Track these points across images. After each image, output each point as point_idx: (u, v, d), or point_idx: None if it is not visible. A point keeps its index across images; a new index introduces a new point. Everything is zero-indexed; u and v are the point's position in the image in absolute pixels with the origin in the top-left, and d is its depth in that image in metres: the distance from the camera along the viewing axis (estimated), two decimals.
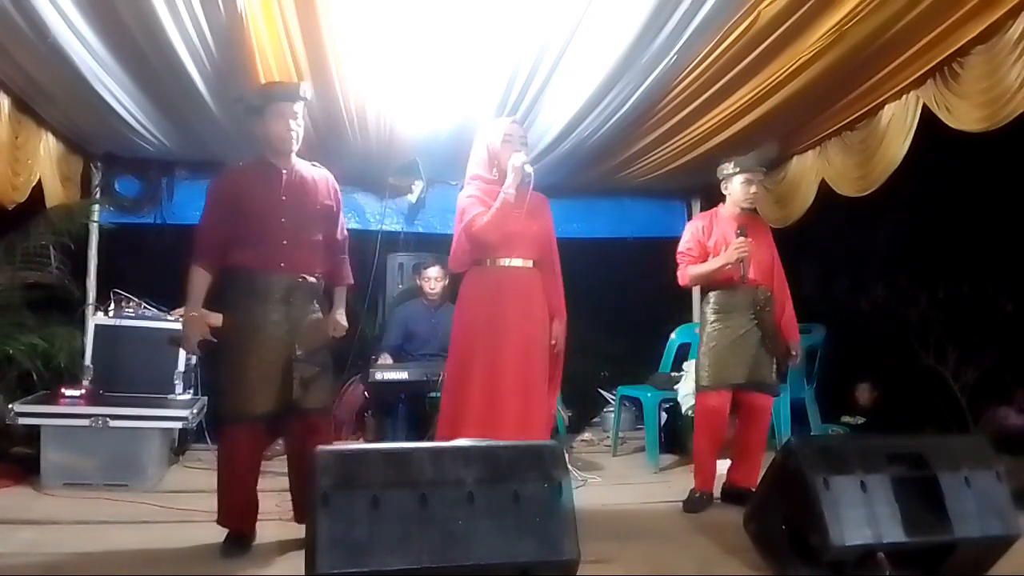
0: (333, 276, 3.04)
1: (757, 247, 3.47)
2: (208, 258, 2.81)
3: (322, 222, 2.93)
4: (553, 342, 3.13)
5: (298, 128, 2.81)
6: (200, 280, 2.81)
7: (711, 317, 3.53)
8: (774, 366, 3.50)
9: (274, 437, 4.15)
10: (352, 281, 3.11)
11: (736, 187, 3.54)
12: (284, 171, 2.84)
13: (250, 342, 2.74)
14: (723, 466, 3.66)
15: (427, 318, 4.79)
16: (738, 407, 3.56)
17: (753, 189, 3.54)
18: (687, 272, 3.56)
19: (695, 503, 3.42)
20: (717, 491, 3.54)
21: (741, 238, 3.40)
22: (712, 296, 3.56)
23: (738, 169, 3.53)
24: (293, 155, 2.87)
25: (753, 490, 3.32)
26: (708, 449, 3.51)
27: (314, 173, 2.95)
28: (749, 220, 3.57)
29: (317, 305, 2.92)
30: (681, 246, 3.62)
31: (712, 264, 3.48)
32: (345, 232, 3.10)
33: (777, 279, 3.59)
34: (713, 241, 3.54)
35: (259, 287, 2.78)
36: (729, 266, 3.42)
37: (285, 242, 2.79)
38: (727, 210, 3.60)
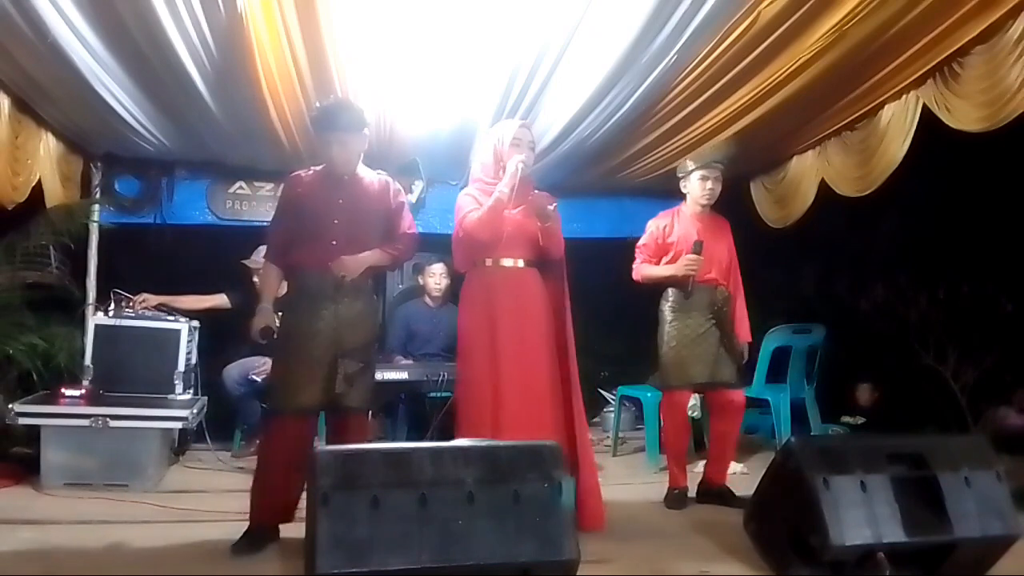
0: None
1: (715, 247, 3.50)
2: (275, 256, 2.99)
3: (380, 224, 3.01)
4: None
5: (360, 153, 2.95)
6: (272, 275, 2.99)
7: (668, 316, 3.54)
8: (734, 364, 3.50)
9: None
10: (396, 253, 3.04)
11: (694, 184, 3.53)
12: (345, 176, 2.95)
13: (299, 338, 2.83)
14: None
15: (428, 317, 4.78)
16: (709, 405, 3.59)
17: (709, 185, 3.51)
18: (640, 270, 3.60)
19: (675, 500, 3.46)
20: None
21: (693, 256, 3.40)
22: (670, 293, 3.56)
23: (694, 166, 3.53)
24: (358, 165, 2.99)
25: (725, 487, 3.47)
26: (675, 444, 3.54)
27: (376, 179, 3.04)
28: (709, 220, 3.58)
29: (364, 304, 2.96)
30: (640, 241, 3.65)
31: (662, 271, 3.53)
32: (412, 229, 3.10)
33: (733, 278, 3.61)
34: (674, 240, 3.54)
35: (310, 285, 2.88)
36: (677, 277, 3.46)
37: (335, 242, 2.87)
38: (688, 208, 3.60)
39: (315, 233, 2.89)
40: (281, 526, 2.84)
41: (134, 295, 4.27)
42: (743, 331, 3.60)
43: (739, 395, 3.53)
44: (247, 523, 2.80)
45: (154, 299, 4.32)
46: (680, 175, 3.60)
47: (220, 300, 4.55)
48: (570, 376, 3.14)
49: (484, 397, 2.99)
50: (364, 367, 2.89)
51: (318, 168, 3.00)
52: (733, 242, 3.65)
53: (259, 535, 2.77)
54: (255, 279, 4.19)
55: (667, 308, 3.56)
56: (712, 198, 3.56)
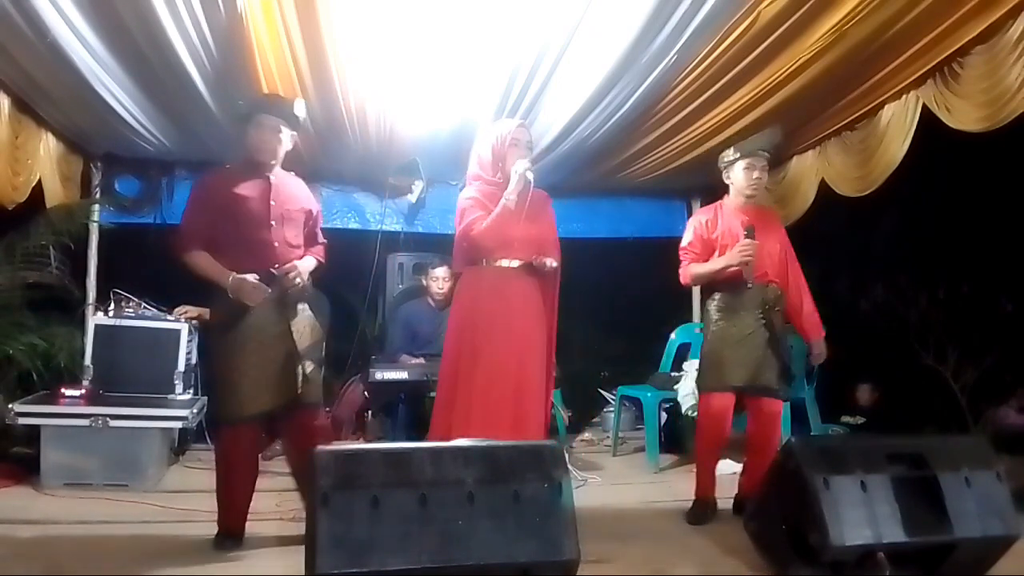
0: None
1: (765, 240, 3.27)
2: (199, 246, 2.84)
3: (306, 226, 3.02)
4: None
5: (277, 143, 2.88)
6: (206, 259, 2.83)
7: (715, 316, 3.33)
8: (780, 369, 3.28)
9: (272, 438, 4.17)
10: (323, 261, 3.10)
11: (738, 174, 3.32)
12: (272, 177, 2.92)
13: (249, 342, 2.77)
14: (725, 467, 3.63)
15: (431, 318, 4.78)
16: (746, 412, 3.39)
17: (756, 175, 3.30)
18: (689, 271, 3.36)
19: (698, 514, 3.26)
20: (719, 492, 3.46)
21: (748, 240, 3.18)
22: (717, 294, 3.34)
23: (739, 155, 3.32)
24: (278, 165, 2.95)
25: None
26: (708, 454, 3.35)
27: (296, 181, 3.05)
28: (756, 212, 3.38)
29: (308, 305, 2.95)
30: (683, 242, 3.40)
31: (716, 264, 3.28)
32: (323, 239, 3.16)
33: (792, 272, 3.39)
34: (718, 234, 3.32)
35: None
36: (733, 268, 3.24)
37: (276, 245, 2.87)
38: (732, 201, 3.38)
39: (252, 237, 2.84)
40: (278, 525, 2.87)
41: (174, 306, 4.33)
42: (814, 328, 3.38)
43: (774, 404, 3.29)
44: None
45: (194, 311, 4.38)
46: (722, 165, 3.39)
47: None
48: (549, 369, 3.19)
49: (470, 394, 2.98)
50: (318, 366, 2.91)
51: (238, 165, 2.95)
52: (785, 234, 3.45)
53: (232, 536, 2.82)
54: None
55: (714, 308, 3.34)
56: (759, 189, 3.37)
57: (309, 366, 2.83)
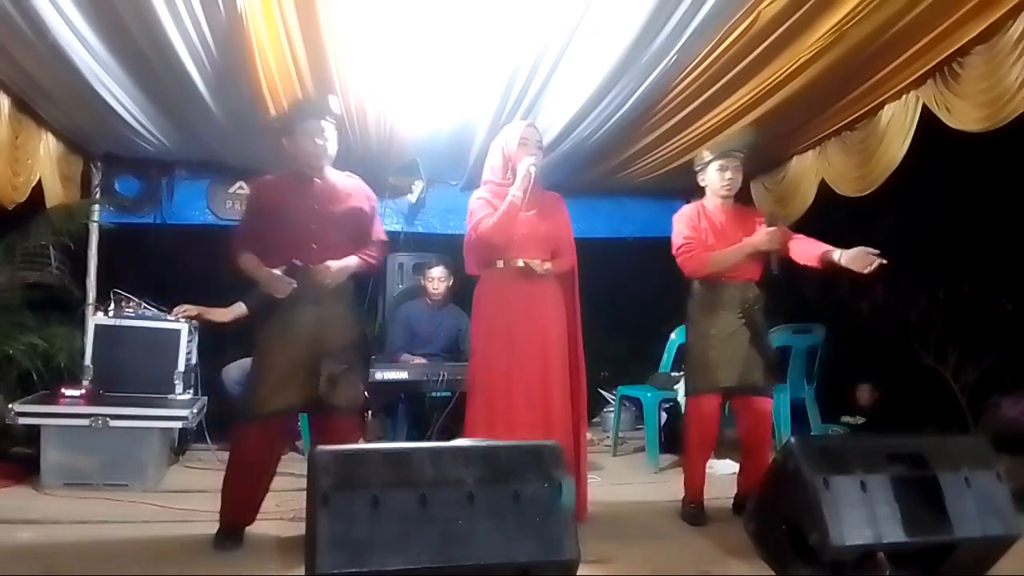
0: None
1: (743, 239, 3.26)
2: (248, 250, 2.89)
3: (354, 226, 2.99)
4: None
5: (326, 144, 2.89)
6: (250, 260, 2.88)
7: (696, 316, 3.33)
8: (765, 366, 3.26)
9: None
10: (373, 262, 3.05)
11: (712, 175, 3.33)
12: (317, 180, 2.92)
13: (279, 341, 2.80)
14: (725, 467, 3.62)
15: (429, 318, 4.78)
16: (735, 412, 3.39)
17: (729, 175, 3.30)
18: (708, 260, 3.23)
19: (691, 515, 3.27)
20: (719, 492, 3.48)
21: (773, 227, 3.18)
22: (697, 293, 3.33)
23: (711, 156, 3.33)
24: (327, 167, 2.95)
25: None
26: (698, 456, 3.35)
27: (347, 181, 3.03)
28: (731, 211, 3.36)
29: (345, 306, 2.96)
30: (682, 236, 3.30)
31: (742, 248, 3.20)
32: (383, 236, 3.13)
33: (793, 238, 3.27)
34: (703, 230, 3.30)
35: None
36: (761, 250, 3.19)
37: (315, 245, 2.86)
38: (709, 202, 3.39)
39: (291, 237, 2.85)
40: (278, 525, 2.86)
41: (174, 306, 4.34)
42: (817, 244, 3.20)
43: (765, 403, 3.28)
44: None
45: (194, 310, 4.40)
46: (697, 167, 3.41)
47: (240, 309, 4.56)
48: (579, 373, 3.19)
49: (497, 395, 3.00)
50: (347, 368, 2.86)
51: (284, 172, 2.97)
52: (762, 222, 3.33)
53: (233, 533, 2.81)
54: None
55: (694, 307, 3.34)
56: (732, 189, 3.34)
57: (335, 367, 2.80)
